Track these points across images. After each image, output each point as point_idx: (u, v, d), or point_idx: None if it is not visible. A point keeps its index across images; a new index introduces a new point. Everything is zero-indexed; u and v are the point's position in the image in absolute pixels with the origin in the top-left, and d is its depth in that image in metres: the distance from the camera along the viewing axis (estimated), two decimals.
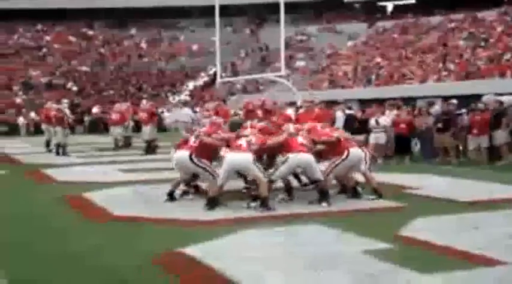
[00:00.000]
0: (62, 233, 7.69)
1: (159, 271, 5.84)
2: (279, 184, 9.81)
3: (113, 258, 6.34)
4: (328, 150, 9.68)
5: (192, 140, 9.54)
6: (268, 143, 9.43)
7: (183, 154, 9.41)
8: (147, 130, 19.89)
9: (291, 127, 9.81)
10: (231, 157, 9.02)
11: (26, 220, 8.72)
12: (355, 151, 9.53)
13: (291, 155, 9.07)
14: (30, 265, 6.14)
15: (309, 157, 9.14)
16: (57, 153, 19.36)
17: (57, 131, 19.87)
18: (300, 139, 9.38)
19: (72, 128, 24.60)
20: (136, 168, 15.06)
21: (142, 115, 20.73)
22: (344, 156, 9.35)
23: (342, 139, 9.59)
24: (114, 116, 22.10)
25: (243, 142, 9.18)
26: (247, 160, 8.92)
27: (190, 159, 9.25)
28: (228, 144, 9.45)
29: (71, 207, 9.69)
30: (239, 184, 10.23)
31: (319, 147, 9.62)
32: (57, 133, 19.88)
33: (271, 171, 9.36)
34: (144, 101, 26.33)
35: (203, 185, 10.19)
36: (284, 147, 9.38)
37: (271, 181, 9.15)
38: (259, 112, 19.24)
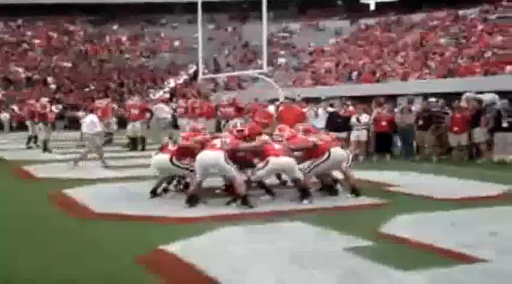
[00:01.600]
0: (44, 231, 7.65)
1: (141, 268, 5.84)
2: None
3: (95, 255, 6.32)
4: (308, 154, 9.73)
5: (170, 146, 9.74)
6: (241, 146, 9.54)
7: (163, 157, 9.59)
8: (137, 127, 19.75)
9: (266, 137, 9.86)
10: (201, 155, 9.09)
11: (5, 217, 8.66)
12: (337, 151, 9.57)
13: (271, 158, 9.12)
14: (9, 263, 6.11)
15: (288, 160, 9.20)
16: (45, 150, 19.25)
17: (40, 127, 19.76)
18: (277, 146, 9.44)
19: (53, 124, 24.43)
20: (119, 165, 14.99)
21: (134, 111, 20.62)
22: (325, 157, 9.41)
23: (321, 143, 9.61)
24: (99, 112, 21.96)
25: (217, 142, 9.30)
26: (217, 157, 8.97)
27: (171, 161, 9.44)
28: (203, 146, 9.47)
29: (52, 204, 9.63)
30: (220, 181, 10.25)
31: (297, 153, 9.67)
32: (40, 130, 19.77)
33: (249, 170, 9.44)
34: (135, 97, 26.17)
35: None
36: (261, 153, 9.48)
37: (249, 181, 9.22)
38: (230, 111, 19.43)
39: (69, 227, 7.87)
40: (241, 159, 9.66)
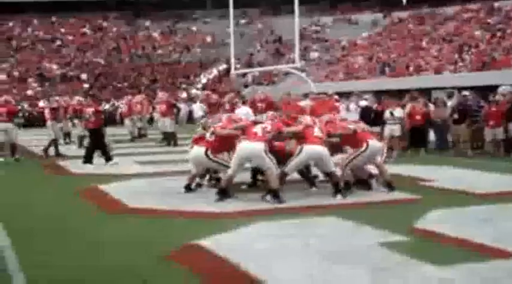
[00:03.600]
0: (78, 226, 7.74)
1: (173, 263, 5.87)
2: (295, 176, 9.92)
3: (128, 250, 6.38)
4: (344, 143, 9.68)
5: (207, 136, 9.64)
6: (284, 130, 9.43)
7: (199, 150, 9.57)
8: (167, 123, 19.89)
9: (308, 118, 9.77)
10: (243, 146, 9.01)
11: (41, 212, 8.80)
12: (374, 143, 9.49)
13: (305, 146, 9.04)
14: (46, 257, 6.18)
15: (322, 150, 9.09)
16: (80, 146, 19.49)
17: (75, 123, 19.93)
18: (316, 130, 9.35)
19: None
20: (152, 160, 15.10)
21: (161, 107, 20.75)
22: (363, 148, 9.32)
23: (360, 131, 9.54)
24: (125, 108, 22.24)
25: (258, 129, 9.15)
26: (259, 149, 8.88)
27: (206, 154, 9.41)
28: (244, 133, 9.39)
29: (87, 199, 9.74)
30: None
31: (334, 139, 9.61)
32: (76, 126, 19.95)
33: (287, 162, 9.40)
34: (160, 93, 26.24)
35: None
36: (300, 138, 9.40)
37: (284, 174, 9.18)
38: (262, 106, 19.33)
39: (102, 221, 7.97)
40: (276, 152, 9.60)
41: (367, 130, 10.00)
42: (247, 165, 9.69)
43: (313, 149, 9.04)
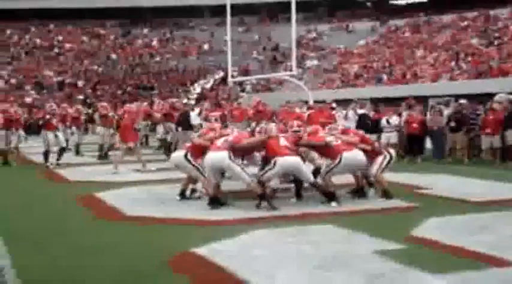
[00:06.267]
0: (75, 234, 7.72)
1: (170, 271, 5.85)
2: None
3: (124, 258, 6.36)
4: (320, 153, 9.70)
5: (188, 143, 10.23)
6: (243, 142, 9.51)
7: (179, 153, 10.00)
8: (161, 129, 19.86)
9: (273, 128, 9.77)
10: (207, 157, 9.23)
11: (38, 220, 8.78)
12: (349, 156, 9.25)
13: (278, 159, 9.04)
14: (42, 265, 6.16)
15: (295, 160, 9.09)
16: (77, 153, 19.47)
17: (73, 131, 19.85)
18: (282, 141, 9.33)
19: (86, 128, 24.69)
20: (148, 168, 15.06)
21: (158, 114, 20.63)
22: (337, 161, 9.23)
23: (335, 144, 9.39)
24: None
25: (220, 141, 9.38)
26: (222, 157, 9.03)
27: (186, 157, 9.70)
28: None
29: (83, 207, 9.73)
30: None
31: (301, 149, 9.61)
32: (73, 134, 19.87)
33: (260, 172, 9.46)
34: (162, 101, 26.05)
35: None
36: (267, 150, 9.50)
37: (260, 182, 9.19)
38: (251, 112, 19.26)
39: (99, 230, 7.95)
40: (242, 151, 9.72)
41: (359, 139, 9.89)
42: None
43: (286, 161, 9.05)
